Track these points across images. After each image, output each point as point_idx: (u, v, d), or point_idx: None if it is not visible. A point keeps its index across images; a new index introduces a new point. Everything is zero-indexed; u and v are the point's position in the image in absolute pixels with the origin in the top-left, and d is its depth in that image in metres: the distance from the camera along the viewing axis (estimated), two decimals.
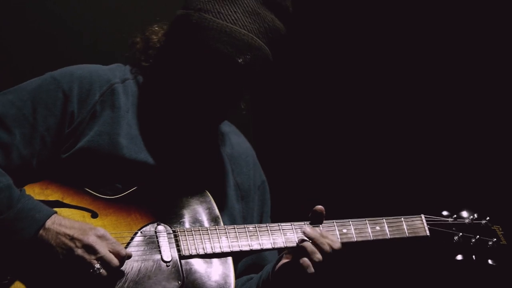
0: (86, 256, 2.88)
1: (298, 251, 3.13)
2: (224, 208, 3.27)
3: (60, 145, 3.10)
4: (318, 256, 3.11)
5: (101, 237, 2.91)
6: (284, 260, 3.18)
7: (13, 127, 3.06)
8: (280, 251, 3.26)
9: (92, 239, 2.89)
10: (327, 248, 3.12)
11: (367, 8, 5.11)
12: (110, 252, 2.91)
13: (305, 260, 3.10)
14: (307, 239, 3.13)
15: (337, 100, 5.18)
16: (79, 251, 2.88)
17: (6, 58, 4.38)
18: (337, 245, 3.16)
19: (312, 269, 3.09)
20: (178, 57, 3.16)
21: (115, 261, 2.91)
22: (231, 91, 3.17)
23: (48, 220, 2.91)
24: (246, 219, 3.37)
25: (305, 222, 3.25)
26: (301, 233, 3.18)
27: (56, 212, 2.95)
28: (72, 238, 2.89)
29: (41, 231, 2.89)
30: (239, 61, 3.10)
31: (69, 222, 2.93)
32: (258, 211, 3.45)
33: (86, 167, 3.09)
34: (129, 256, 2.96)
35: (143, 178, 3.14)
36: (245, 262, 3.39)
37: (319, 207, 3.22)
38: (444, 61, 4.96)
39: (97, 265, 2.88)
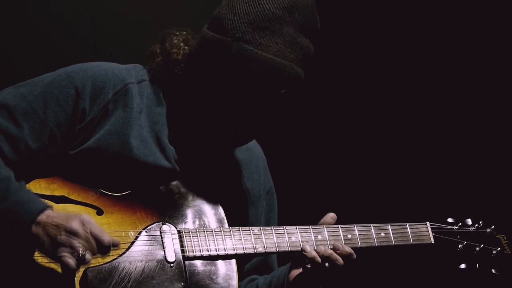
0: (68, 240, 2.85)
1: (308, 261, 3.17)
2: (235, 213, 3.26)
3: (69, 142, 3.09)
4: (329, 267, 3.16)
5: (84, 223, 2.88)
6: (296, 271, 3.21)
7: (23, 121, 3.05)
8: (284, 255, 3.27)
9: (75, 225, 2.86)
10: (340, 262, 3.15)
11: (367, 8, 5.09)
12: (94, 236, 2.88)
13: (315, 273, 3.15)
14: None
15: (345, 104, 5.18)
16: (63, 237, 2.85)
17: (6, 58, 4.38)
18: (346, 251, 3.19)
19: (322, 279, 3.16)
20: (212, 81, 3.13)
21: (94, 246, 2.88)
22: (264, 116, 3.18)
23: (41, 213, 2.89)
24: (254, 225, 3.36)
25: (310, 226, 3.25)
26: (309, 239, 3.20)
27: (51, 207, 2.93)
28: (57, 226, 2.86)
29: (33, 225, 2.88)
30: (282, 92, 3.12)
31: (60, 214, 2.91)
32: (265, 217, 3.45)
33: (94, 165, 3.08)
34: (114, 244, 2.94)
35: (152, 180, 3.13)
36: (251, 264, 3.40)
37: (332, 214, 3.27)
38: (453, 65, 4.95)
39: (81, 249, 2.84)
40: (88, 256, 2.85)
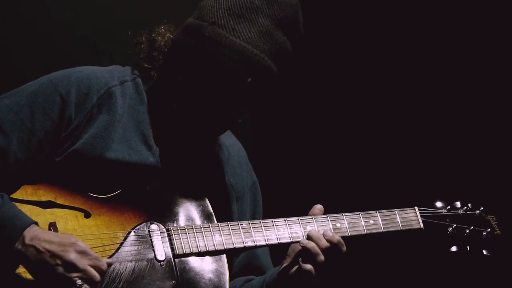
0: (67, 274, 2.85)
1: (300, 252, 3.17)
2: (221, 210, 3.26)
3: (56, 149, 3.09)
4: (321, 257, 3.14)
5: (81, 253, 2.88)
6: (285, 264, 3.21)
7: (11, 132, 3.05)
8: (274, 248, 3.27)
9: (72, 256, 2.85)
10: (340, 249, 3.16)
11: (366, 8, 5.10)
12: (91, 266, 2.88)
13: (307, 265, 3.13)
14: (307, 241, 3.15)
15: (327, 93, 5.18)
16: (60, 269, 2.85)
17: (6, 58, 4.38)
18: (335, 238, 3.17)
19: (314, 270, 3.13)
20: (185, 66, 3.15)
21: (97, 276, 2.88)
22: (234, 106, 3.17)
23: (26, 231, 2.87)
24: (241, 220, 3.36)
25: (298, 218, 3.25)
26: (298, 231, 3.19)
27: (36, 223, 2.92)
28: (52, 255, 2.85)
29: (19, 246, 2.86)
30: (248, 80, 3.11)
31: (48, 235, 2.89)
32: (250, 212, 3.45)
33: (79, 169, 3.08)
34: (109, 265, 2.95)
35: (137, 180, 3.14)
36: (239, 262, 3.39)
37: (319, 206, 3.27)
38: (429, 53, 4.96)
39: (79, 282, 2.85)
40: (86, 286, 2.86)
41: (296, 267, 3.18)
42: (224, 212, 3.30)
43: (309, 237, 3.17)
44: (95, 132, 3.11)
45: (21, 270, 2.90)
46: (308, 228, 3.23)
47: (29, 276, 2.89)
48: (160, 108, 3.23)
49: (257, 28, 3.12)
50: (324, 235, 3.17)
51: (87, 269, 2.86)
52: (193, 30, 3.14)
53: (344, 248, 3.19)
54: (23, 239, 2.87)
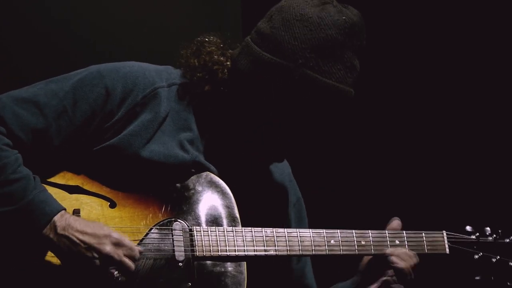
0: (105, 267, 2.88)
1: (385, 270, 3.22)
2: (274, 215, 3.28)
3: (93, 139, 3.06)
4: (412, 277, 3.22)
5: (116, 245, 2.90)
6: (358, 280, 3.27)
7: (51, 118, 3.03)
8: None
9: (109, 249, 2.88)
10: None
11: (365, 7, 5.02)
12: (126, 257, 2.90)
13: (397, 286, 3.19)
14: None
15: (359, 111, 5.13)
16: (97, 262, 2.87)
17: (6, 58, 4.37)
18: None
19: None
20: (267, 101, 3.11)
21: (132, 267, 2.91)
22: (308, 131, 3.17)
23: (57, 219, 2.88)
24: (287, 226, 3.34)
25: (324, 230, 3.21)
26: (322, 243, 3.18)
27: (65, 209, 2.92)
28: (88, 248, 2.87)
29: (51, 235, 2.87)
30: (339, 113, 3.13)
31: (80, 225, 2.90)
32: (295, 227, 3.39)
33: (112, 164, 3.06)
34: (141, 253, 2.96)
35: (169, 181, 3.11)
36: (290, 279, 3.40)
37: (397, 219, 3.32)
38: (467, 68, 4.90)
39: (116, 273, 2.88)
40: (122, 278, 2.90)
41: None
42: (279, 217, 3.31)
43: (397, 256, 3.20)
44: (134, 129, 3.08)
45: (49, 254, 2.92)
46: (332, 242, 3.20)
47: (56, 261, 2.91)
48: (210, 122, 3.19)
49: (343, 65, 3.09)
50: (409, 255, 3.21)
51: (123, 260, 2.89)
52: (276, 70, 3.08)
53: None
54: (54, 228, 2.87)
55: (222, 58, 3.19)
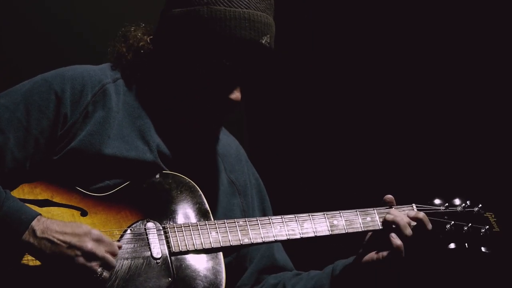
0: (88, 264, 2.88)
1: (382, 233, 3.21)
2: (220, 205, 3.28)
3: (52, 147, 3.09)
4: (409, 231, 3.20)
5: (97, 241, 2.91)
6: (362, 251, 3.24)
7: (7, 131, 3.05)
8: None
9: (91, 246, 2.88)
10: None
11: (364, 7, 5.11)
12: (108, 252, 2.92)
13: (397, 241, 3.18)
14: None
15: (324, 91, 5.18)
16: (81, 260, 2.87)
17: (6, 58, 4.38)
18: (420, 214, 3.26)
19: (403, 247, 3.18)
20: (189, 53, 3.14)
21: (114, 262, 2.93)
22: (248, 77, 3.18)
23: (34, 223, 2.89)
24: (247, 214, 3.38)
25: (295, 215, 3.25)
26: (295, 228, 3.20)
27: (40, 214, 2.93)
28: (70, 246, 2.88)
29: (31, 240, 2.87)
30: (262, 42, 3.12)
31: (59, 226, 2.91)
32: (259, 208, 3.46)
33: (77, 167, 3.08)
34: (120, 248, 2.98)
35: (134, 176, 3.14)
36: (256, 265, 3.42)
37: (389, 196, 3.31)
38: (425, 50, 4.96)
39: (99, 269, 2.89)
40: (106, 273, 2.91)
41: (376, 251, 3.21)
42: (225, 207, 3.31)
43: (393, 215, 3.22)
44: (92, 129, 3.11)
45: (28, 260, 2.92)
46: (305, 225, 3.23)
47: (35, 263, 2.91)
48: (159, 103, 3.23)
49: None
50: (408, 214, 3.24)
51: (105, 256, 2.90)
52: (187, 18, 3.13)
53: (430, 226, 3.25)
54: (33, 232, 2.88)
55: (145, 36, 3.26)
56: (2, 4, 4.42)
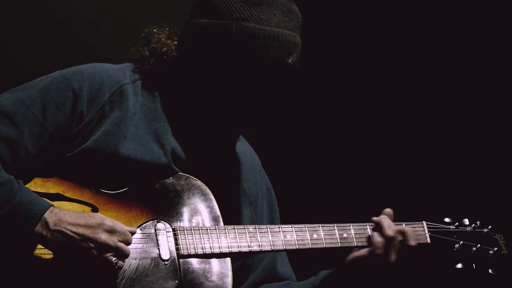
0: (102, 255, 2.90)
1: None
2: (229, 213, 3.25)
3: (67, 144, 3.09)
4: (390, 232, 3.19)
5: (110, 232, 2.91)
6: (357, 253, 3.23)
7: (23, 126, 3.05)
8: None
9: (104, 237, 2.89)
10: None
11: (364, 7, 5.10)
12: (121, 242, 2.93)
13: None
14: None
15: (337, 101, 5.18)
16: (94, 252, 2.89)
17: (6, 58, 4.39)
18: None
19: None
20: (217, 67, 3.14)
21: (128, 251, 2.94)
22: (272, 93, 3.18)
23: (46, 215, 2.89)
24: (255, 224, 3.36)
25: (305, 225, 3.25)
26: (305, 238, 3.20)
27: (53, 205, 2.94)
28: (83, 239, 2.89)
29: (44, 232, 2.88)
30: (289, 61, 3.12)
31: (71, 217, 2.91)
32: (267, 217, 3.45)
33: (90, 166, 3.08)
34: (133, 234, 2.98)
35: (148, 178, 3.14)
36: (258, 275, 3.40)
37: (388, 210, 3.29)
38: (450, 64, 4.95)
39: (114, 260, 2.90)
40: (121, 262, 2.93)
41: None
42: (234, 215, 3.30)
43: (379, 218, 3.23)
44: (107, 129, 3.11)
45: (41, 252, 2.93)
46: (315, 236, 3.23)
47: (48, 257, 2.92)
48: (176, 107, 3.23)
49: (279, 10, 3.12)
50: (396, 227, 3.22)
51: (119, 245, 2.91)
52: (215, 31, 3.12)
53: (413, 242, 3.23)
54: (46, 224, 2.89)
55: (169, 41, 3.25)
56: (2, 4, 4.41)
